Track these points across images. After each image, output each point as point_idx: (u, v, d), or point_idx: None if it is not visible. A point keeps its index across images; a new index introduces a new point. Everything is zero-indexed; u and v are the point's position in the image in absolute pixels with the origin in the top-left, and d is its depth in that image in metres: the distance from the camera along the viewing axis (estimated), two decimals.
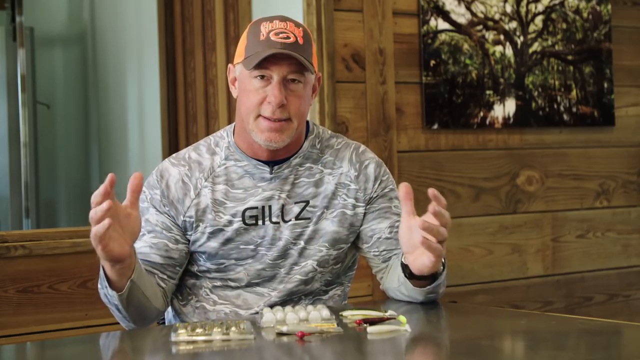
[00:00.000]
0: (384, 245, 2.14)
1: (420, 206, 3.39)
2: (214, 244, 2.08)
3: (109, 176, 1.78)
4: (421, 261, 1.92)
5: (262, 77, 2.01)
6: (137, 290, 1.92)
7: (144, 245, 2.05)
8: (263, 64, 1.99)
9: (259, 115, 2.02)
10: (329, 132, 2.20)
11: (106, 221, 1.76)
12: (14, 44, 4.99)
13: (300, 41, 2.01)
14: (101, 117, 5.35)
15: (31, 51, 5.19)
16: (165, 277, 2.06)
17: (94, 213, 1.77)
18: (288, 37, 2.00)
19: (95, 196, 1.77)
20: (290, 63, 2.00)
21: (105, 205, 1.76)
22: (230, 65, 2.12)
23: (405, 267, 1.99)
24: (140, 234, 2.02)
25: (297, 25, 2.04)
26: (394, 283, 2.07)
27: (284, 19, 2.04)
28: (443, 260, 1.98)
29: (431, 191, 1.85)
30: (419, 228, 1.85)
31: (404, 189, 1.92)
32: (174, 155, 2.16)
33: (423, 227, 1.84)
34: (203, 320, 2.07)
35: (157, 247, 2.05)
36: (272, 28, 2.01)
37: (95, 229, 1.78)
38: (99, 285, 1.95)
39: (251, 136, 2.05)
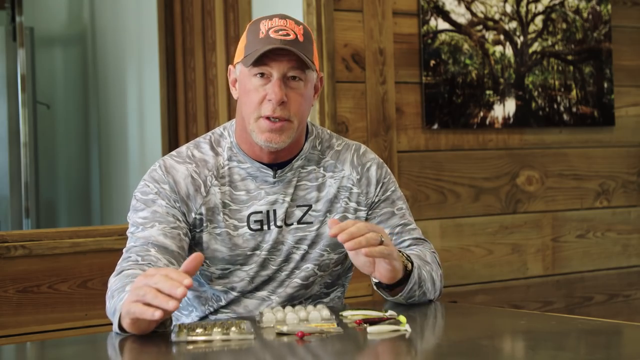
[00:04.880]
0: None
1: (421, 206, 3.40)
2: (222, 247, 2.04)
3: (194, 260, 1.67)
4: (382, 270, 1.92)
5: (262, 75, 1.98)
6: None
7: (158, 234, 1.96)
8: (262, 61, 1.96)
9: (259, 117, 1.99)
10: (328, 131, 2.17)
11: (158, 313, 1.62)
12: (14, 44, 4.99)
13: (301, 39, 1.98)
14: (101, 117, 5.35)
15: (31, 51, 5.20)
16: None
17: (153, 298, 1.62)
18: (288, 35, 1.97)
19: (178, 283, 1.61)
20: (290, 59, 1.97)
21: (171, 305, 1.61)
22: (230, 66, 2.09)
23: (379, 284, 1.99)
24: (149, 225, 1.97)
25: (298, 23, 2.02)
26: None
27: (283, 16, 2.01)
28: (409, 261, 1.99)
29: (329, 223, 1.86)
30: (349, 252, 1.87)
31: (335, 229, 1.85)
32: (173, 153, 2.09)
33: (350, 249, 1.85)
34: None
35: (171, 235, 1.97)
36: (271, 26, 1.98)
37: (141, 312, 1.64)
38: (110, 307, 1.82)
39: (251, 137, 2.02)
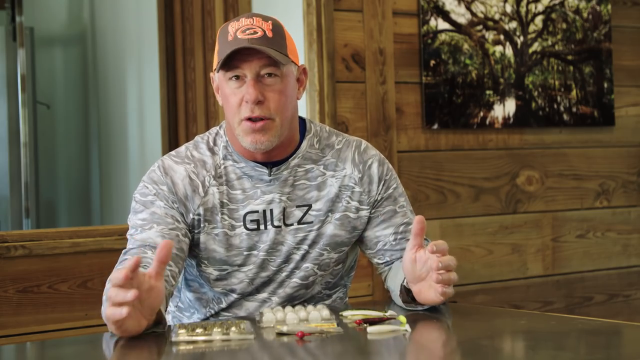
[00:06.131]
0: (388, 253, 2.13)
1: (421, 206, 3.40)
2: (219, 248, 2.04)
3: (134, 259, 1.64)
4: (427, 296, 1.91)
5: (237, 77, 1.97)
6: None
7: (156, 235, 1.96)
8: (233, 64, 1.96)
9: (241, 119, 1.98)
10: (327, 128, 2.15)
11: (125, 310, 1.64)
12: (14, 44, 4.99)
13: (270, 34, 1.96)
14: (101, 117, 5.35)
15: (31, 51, 5.20)
16: (177, 270, 1.96)
17: (115, 295, 1.64)
18: (255, 32, 1.95)
19: (118, 279, 1.63)
20: (260, 58, 1.95)
21: (130, 295, 1.63)
22: (211, 74, 2.09)
23: (408, 290, 1.98)
24: (148, 227, 1.97)
25: (266, 19, 2.00)
26: (396, 288, 2.05)
27: (250, 15, 2.00)
28: None
29: (430, 247, 1.85)
30: (434, 270, 1.86)
31: (418, 225, 1.89)
32: (172, 153, 2.09)
33: (439, 281, 1.85)
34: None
35: (169, 236, 1.96)
36: (238, 26, 1.97)
37: (112, 313, 1.66)
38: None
39: (239, 141, 2.01)
